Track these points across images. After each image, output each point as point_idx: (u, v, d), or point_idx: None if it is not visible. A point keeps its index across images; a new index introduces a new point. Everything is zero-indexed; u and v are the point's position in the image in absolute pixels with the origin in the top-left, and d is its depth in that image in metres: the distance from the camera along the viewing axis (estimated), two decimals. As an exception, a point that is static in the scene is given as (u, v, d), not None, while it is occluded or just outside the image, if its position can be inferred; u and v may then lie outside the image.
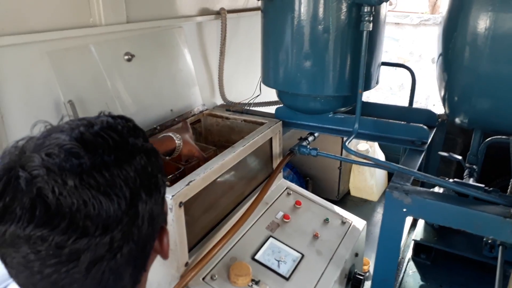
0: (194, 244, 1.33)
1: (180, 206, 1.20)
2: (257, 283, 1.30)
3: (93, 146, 0.53)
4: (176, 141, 1.40)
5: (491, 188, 1.40)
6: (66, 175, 0.50)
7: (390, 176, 2.92)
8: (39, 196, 0.49)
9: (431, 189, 1.64)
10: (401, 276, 1.87)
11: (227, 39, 2.08)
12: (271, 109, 2.21)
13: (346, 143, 1.48)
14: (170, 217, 1.18)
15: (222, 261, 1.36)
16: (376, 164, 1.47)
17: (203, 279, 1.29)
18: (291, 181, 2.46)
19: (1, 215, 0.49)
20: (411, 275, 1.89)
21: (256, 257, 1.40)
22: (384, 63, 1.89)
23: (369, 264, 1.88)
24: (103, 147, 0.54)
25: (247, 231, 1.50)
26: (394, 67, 2.07)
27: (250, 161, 1.65)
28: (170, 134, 1.41)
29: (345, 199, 2.54)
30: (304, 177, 2.49)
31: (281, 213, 1.63)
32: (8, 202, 0.49)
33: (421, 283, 1.85)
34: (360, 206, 2.47)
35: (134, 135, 0.59)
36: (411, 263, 1.97)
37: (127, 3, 1.54)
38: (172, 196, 1.16)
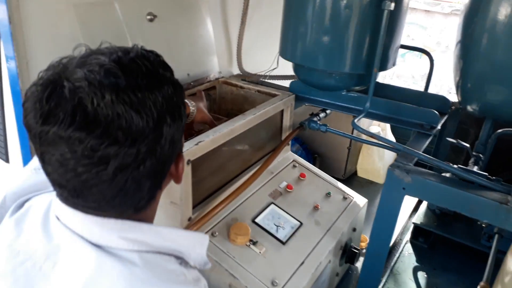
0: (198, 202, 1.40)
1: (188, 163, 1.25)
2: (254, 243, 1.36)
3: (129, 69, 0.61)
4: (190, 108, 1.45)
5: (494, 177, 1.43)
6: (105, 89, 0.57)
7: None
8: (80, 104, 0.56)
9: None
10: (396, 256, 1.92)
11: (249, 9, 2.08)
12: (287, 83, 2.24)
13: (355, 120, 1.51)
14: (178, 172, 1.24)
15: (224, 220, 1.43)
16: (382, 143, 1.50)
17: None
18: (300, 156, 2.50)
19: (46, 117, 0.57)
20: (406, 256, 1.94)
21: (257, 220, 1.46)
22: (403, 46, 1.88)
23: (367, 242, 1.92)
24: (137, 72, 0.61)
25: (250, 195, 1.56)
26: (415, 51, 2.04)
27: (260, 130, 1.69)
28: (186, 100, 1.46)
29: (351, 179, 2.57)
30: (312, 153, 2.53)
31: (284, 183, 1.69)
32: (52, 107, 0.56)
33: (416, 264, 1.89)
34: (365, 188, 2.50)
35: (163, 67, 0.68)
36: (409, 245, 2.01)
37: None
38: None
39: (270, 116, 1.67)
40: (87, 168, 0.58)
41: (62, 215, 0.68)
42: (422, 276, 1.83)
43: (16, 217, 0.75)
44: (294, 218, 1.53)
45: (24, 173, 0.89)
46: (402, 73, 7.79)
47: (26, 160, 1.37)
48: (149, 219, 0.75)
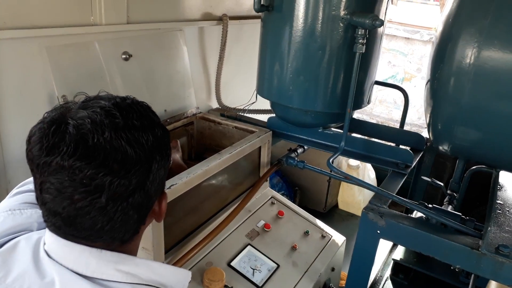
0: (171, 246, 1.37)
1: (159, 208, 1.23)
2: (229, 289, 1.33)
3: (126, 112, 0.69)
4: None
5: (467, 218, 1.43)
6: (105, 127, 0.64)
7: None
8: (82, 138, 0.63)
9: (414, 214, 1.67)
10: (377, 295, 1.90)
11: (227, 45, 2.11)
12: (265, 117, 2.25)
13: (330, 160, 1.51)
14: (149, 218, 1.21)
15: (198, 265, 1.39)
16: (357, 183, 1.50)
17: (177, 281, 1.32)
18: (280, 189, 2.50)
19: (50, 148, 0.63)
20: (387, 293, 1.92)
21: (232, 263, 1.43)
22: (377, 83, 1.92)
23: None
24: (133, 114, 0.69)
25: (226, 236, 1.53)
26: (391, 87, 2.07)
27: (237, 167, 1.68)
28: None
29: (332, 212, 2.57)
30: (293, 186, 2.52)
31: (262, 222, 1.67)
32: (57, 140, 0.63)
33: (396, 302, 1.87)
34: (346, 221, 2.50)
35: (153, 114, 0.76)
36: (389, 282, 2.00)
37: (129, 4, 1.57)
38: (152, 198, 1.19)
39: (248, 153, 1.67)
40: (83, 196, 0.64)
41: (53, 250, 0.72)
42: (402, 315, 1.81)
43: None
44: (271, 260, 1.51)
45: None
46: (384, 98, 7.96)
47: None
48: (133, 253, 0.80)
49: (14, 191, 0.93)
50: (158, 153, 0.72)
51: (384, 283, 1.99)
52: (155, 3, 1.73)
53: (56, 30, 1.34)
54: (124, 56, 1.62)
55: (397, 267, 2.01)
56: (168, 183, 1.28)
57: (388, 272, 2.04)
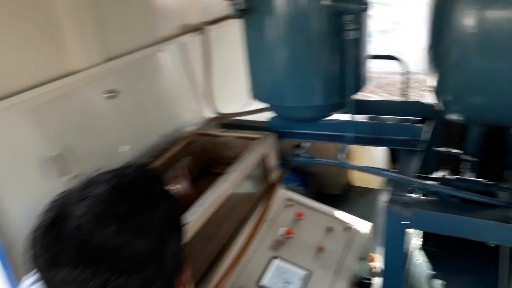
0: (197, 281, 1.34)
1: (179, 249, 1.19)
2: (266, 311, 1.31)
3: (127, 194, 0.64)
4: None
5: (491, 183, 1.39)
6: (106, 221, 0.59)
7: (391, 156, 2.88)
8: (84, 242, 0.57)
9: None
10: (411, 268, 1.88)
11: (212, 51, 2.03)
12: (266, 115, 2.18)
13: (339, 156, 1.46)
14: (172, 262, 1.18)
15: (230, 292, 1.37)
16: (374, 172, 1.45)
17: (212, 313, 1.30)
18: (294, 180, 2.45)
19: (53, 261, 0.58)
20: (420, 264, 1.90)
21: (263, 283, 1.40)
22: (372, 56, 1.83)
23: (374, 260, 1.87)
24: (135, 194, 0.64)
25: (250, 254, 1.50)
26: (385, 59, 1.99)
27: (246, 181, 1.64)
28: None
29: (348, 191, 2.54)
30: (305, 175, 2.48)
31: (283, 229, 1.63)
32: (58, 250, 0.58)
33: (432, 272, 1.86)
34: (364, 197, 2.46)
35: (158, 182, 0.71)
36: (421, 253, 1.98)
37: (103, 41, 1.49)
38: (170, 242, 1.15)
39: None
40: None
41: None
42: (440, 284, 1.79)
43: None
44: (301, 267, 1.48)
45: None
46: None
47: None
48: None
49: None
50: (170, 232, 0.67)
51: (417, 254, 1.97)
52: (130, 31, 1.65)
53: (34, 91, 1.26)
54: (109, 94, 1.56)
55: (427, 235, 1.99)
56: (182, 220, 1.24)
57: (418, 243, 2.02)
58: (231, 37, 2.26)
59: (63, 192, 0.66)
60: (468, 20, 1.20)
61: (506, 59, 1.19)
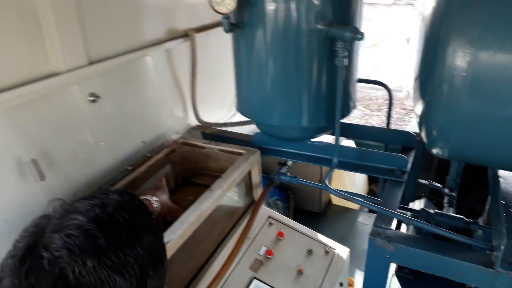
0: (176, 300, 1.30)
1: (158, 271, 1.14)
2: (243, 336, 1.28)
3: (108, 226, 0.60)
4: (154, 204, 1.35)
5: (471, 220, 1.41)
6: (86, 255, 0.56)
7: (370, 180, 2.93)
8: (61, 276, 0.54)
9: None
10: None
11: (197, 59, 1.99)
12: (249, 128, 2.16)
13: (325, 181, 1.45)
14: (149, 284, 1.13)
15: (207, 313, 1.33)
16: (357, 202, 1.45)
17: (188, 337, 1.27)
18: (273, 194, 2.44)
19: None
20: (394, 292, 1.92)
21: (241, 305, 1.38)
22: (360, 80, 1.84)
23: (354, 284, 1.89)
24: (116, 227, 0.61)
25: (230, 273, 1.47)
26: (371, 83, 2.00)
27: (229, 196, 1.61)
28: (147, 197, 1.36)
29: (326, 209, 2.54)
30: (285, 190, 2.47)
31: (264, 249, 1.61)
32: (32, 282, 0.54)
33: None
34: (342, 216, 2.48)
35: (140, 212, 0.68)
36: (395, 279, 2.00)
37: (87, 43, 1.43)
38: (149, 264, 1.11)
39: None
40: None
41: None
42: (413, 312, 1.82)
43: None
44: (280, 291, 1.46)
45: None
46: (355, 66, 7.98)
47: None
48: None
49: None
50: (151, 267, 0.64)
51: (391, 280, 1.99)
52: (115, 34, 1.59)
53: (12, 92, 1.19)
54: (91, 98, 1.49)
55: (401, 262, 2.01)
56: (162, 239, 1.20)
57: (392, 269, 2.04)
58: (219, 45, 2.23)
59: (41, 217, 0.63)
60: (460, 61, 1.21)
61: (495, 103, 1.21)
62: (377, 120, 6.37)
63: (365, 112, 6.83)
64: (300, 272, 1.55)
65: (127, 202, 0.67)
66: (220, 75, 2.30)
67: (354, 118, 6.25)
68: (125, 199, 0.68)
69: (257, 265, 1.54)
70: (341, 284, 1.65)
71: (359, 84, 1.74)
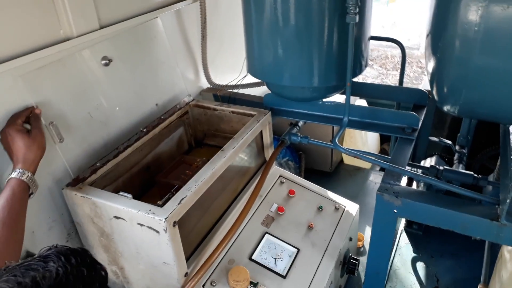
0: (191, 252, 1.37)
1: (174, 225, 1.21)
2: (255, 285, 1.36)
3: None
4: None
5: (479, 176, 1.43)
6: None
7: (382, 139, 2.93)
8: None
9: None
10: (394, 249, 1.95)
11: (208, 21, 1.97)
12: (260, 90, 2.17)
13: (336, 139, 1.47)
14: (165, 237, 1.20)
15: (220, 265, 1.41)
16: (367, 159, 1.47)
17: (203, 286, 1.35)
18: (284, 155, 2.48)
19: None
20: (403, 247, 1.97)
21: (253, 257, 1.45)
22: (373, 38, 1.81)
23: (363, 240, 1.95)
24: None
25: (243, 229, 1.54)
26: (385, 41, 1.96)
27: (241, 157, 1.65)
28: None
29: (338, 169, 2.57)
30: (297, 151, 2.50)
31: (275, 205, 1.67)
32: None
33: (413, 254, 1.93)
34: (353, 175, 2.51)
35: (88, 285, 0.55)
36: (404, 234, 2.05)
37: (97, 7, 1.44)
38: (165, 218, 1.17)
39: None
40: None
41: None
42: (421, 266, 1.88)
43: None
44: (290, 245, 1.52)
45: None
46: (372, 23, 7.73)
47: None
48: None
49: None
50: None
51: (400, 236, 2.04)
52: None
53: (27, 57, 1.23)
54: (104, 61, 1.52)
55: (410, 218, 2.05)
56: (178, 196, 1.26)
57: (402, 225, 2.09)
58: (228, 5, 2.20)
59: None
60: (473, 16, 1.18)
61: (507, 57, 1.19)
62: (392, 80, 6.23)
63: (381, 71, 6.68)
64: (310, 227, 1.61)
65: (71, 272, 0.53)
66: (230, 37, 2.29)
67: (369, 77, 6.13)
68: (69, 270, 0.53)
69: (268, 220, 1.61)
70: (350, 239, 1.70)
71: (375, 43, 1.72)
